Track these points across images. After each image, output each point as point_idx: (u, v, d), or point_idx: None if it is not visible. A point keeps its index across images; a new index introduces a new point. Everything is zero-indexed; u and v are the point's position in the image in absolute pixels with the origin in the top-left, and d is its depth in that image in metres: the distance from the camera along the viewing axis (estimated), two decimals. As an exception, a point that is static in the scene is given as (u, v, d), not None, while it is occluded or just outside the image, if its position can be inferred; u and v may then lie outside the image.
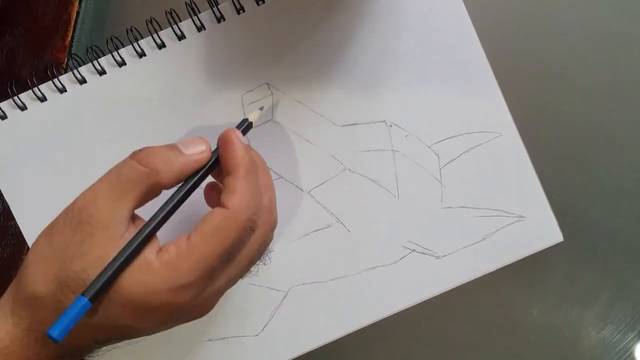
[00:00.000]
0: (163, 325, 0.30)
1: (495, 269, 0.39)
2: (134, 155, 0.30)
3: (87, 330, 0.29)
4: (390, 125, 0.39)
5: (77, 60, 0.38)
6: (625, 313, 0.40)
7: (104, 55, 0.38)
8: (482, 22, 0.38)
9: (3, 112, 0.39)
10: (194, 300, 0.29)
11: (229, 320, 0.40)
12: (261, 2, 0.38)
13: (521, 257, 0.39)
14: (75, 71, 0.38)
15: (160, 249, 0.29)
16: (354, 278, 0.39)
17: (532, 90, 0.42)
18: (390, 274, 0.39)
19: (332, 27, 0.38)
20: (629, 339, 0.40)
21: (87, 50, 0.38)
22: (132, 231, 0.29)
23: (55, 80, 0.38)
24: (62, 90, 0.39)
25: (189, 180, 0.31)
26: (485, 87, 0.39)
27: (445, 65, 0.39)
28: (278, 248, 0.39)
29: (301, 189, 0.39)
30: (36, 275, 0.29)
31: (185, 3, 0.37)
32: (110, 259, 0.28)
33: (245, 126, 0.34)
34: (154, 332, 0.31)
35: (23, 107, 0.39)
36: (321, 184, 0.39)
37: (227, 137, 0.31)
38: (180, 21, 0.38)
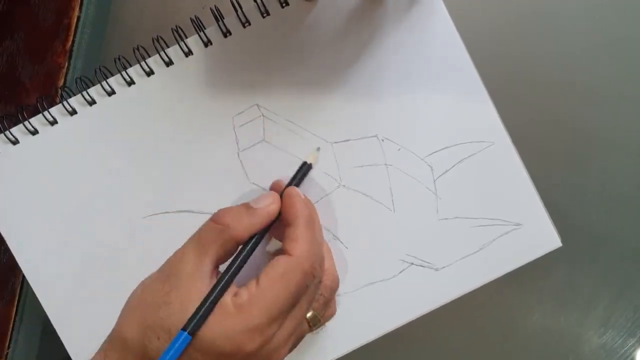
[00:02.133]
0: None
1: (495, 278, 0.39)
2: (212, 216, 0.34)
3: None
4: (383, 140, 0.39)
5: (67, 93, 0.38)
6: (626, 318, 0.40)
7: (93, 85, 0.38)
8: (469, 31, 0.38)
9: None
10: (264, 346, 0.31)
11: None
12: (247, 24, 0.38)
13: (520, 265, 0.39)
14: (65, 103, 0.38)
15: (235, 294, 0.32)
16: (354, 294, 0.39)
17: (529, 97, 0.42)
18: (390, 289, 0.39)
19: (321, 45, 0.38)
20: (630, 344, 0.40)
21: (76, 82, 0.38)
22: (214, 282, 0.32)
23: (46, 112, 0.38)
24: (53, 122, 0.39)
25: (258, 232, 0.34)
26: (475, 97, 0.39)
27: (435, 78, 0.39)
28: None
29: (297, 208, 0.39)
30: (126, 321, 0.32)
31: (172, 29, 0.37)
32: (191, 308, 0.30)
33: (305, 170, 0.38)
34: None
35: (15, 142, 0.39)
36: (316, 202, 0.39)
37: (289, 192, 0.35)
38: (168, 47, 0.38)
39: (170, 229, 0.39)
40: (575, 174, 0.41)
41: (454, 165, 0.39)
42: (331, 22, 0.38)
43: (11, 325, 0.44)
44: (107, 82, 0.38)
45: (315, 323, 0.35)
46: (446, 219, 0.39)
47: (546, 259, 0.39)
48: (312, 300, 0.34)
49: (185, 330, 0.30)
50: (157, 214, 0.39)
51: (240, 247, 0.34)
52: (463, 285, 0.39)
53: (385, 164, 0.39)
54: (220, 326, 0.30)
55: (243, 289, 0.32)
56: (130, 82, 0.39)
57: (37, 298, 0.39)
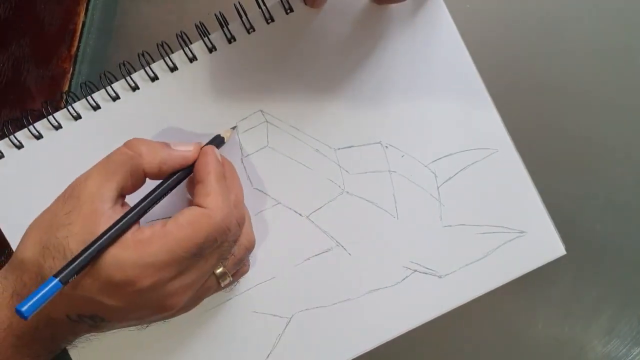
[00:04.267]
0: (128, 310, 0.31)
1: (498, 286, 0.39)
2: (125, 142, 0.33)
3: (57, 300, 0.29)
4: (386, 146, 0.39)
5: (72, 98, 0.39)
6: (631, 327, 0.40)
7: (98, 90, 0.39)
8: (473, 38, 0.38)
9: (0, 152, 0.39)
10: (158, 286, 0.30)
11: (232, 349, 0.39)
12: (252, 30, 0.38)
13: (524, 273, 0.39)
14: (69, 107, 0.38)
15: (137, 230, 0.31)
16: (357, 301, 0.39)
17: (533, 105, 0.42)
18: (394, 296, 0.39)
19: (324, 52, 0.39)
20: (634, 353, 0.40)
21: (80, 87, 0.38)
22: (117, 210, 0.31)
23: (50, 117, 0.38)
24: (58, 127, 0.39)
25: (173, 175, 0.33)
26: (479, 104, 0.39)
27: (438, 84, 0.39)
28: (279, 274, 0.39)
29: (300, 214, 0.39)
30: (26, 242, 0.32)
31: (176, 35, 0.38)
32: (91, 232, 0.29)
33: (217, 141, 0.36)
34: (122, 320, 0.32)
35: (20, 146, 0.39)
36: (320, 208, 0.39)
37: (205, 149, 0.34)
38: (173, 52, 0.38)
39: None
40: (579, 182, 0.41)
41: (457, 172, 0.39)
42: (335, 29, 0.38)
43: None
44: (111, 87, 0.38)
45: (224, 279, 0.34)
46: (450, 226, 0.39)
47: (550, 267, 0.39)
48: (222, 257, 0.33)
49: (58, 277, 0.28)
50: (158, 220, 0.39)
51: (148, 183, 0.33)
52: (466, 292, 0.39)
53: (388, 171, 0.39)
54: (115, 256, 0.29)
55: (147, 227, 0.31)
56: (135, 88, 0.39)
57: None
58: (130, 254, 0.30)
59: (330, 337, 0.39)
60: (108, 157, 0.32)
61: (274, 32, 0.38)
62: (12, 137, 0.39)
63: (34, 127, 0.39)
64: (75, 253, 0.29)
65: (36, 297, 0.28)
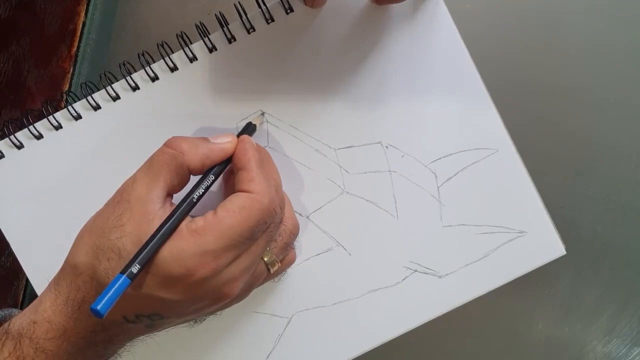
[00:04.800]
0: (187, 303, 0.31)
1: (499, 286, 0.39)
2: (166, 141, 0.33)
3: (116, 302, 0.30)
4: (386, 146, 0.39)
5: (72, 98, 0.39)
6: (631, 327, 0.40)
7: (98, 90, 0.39)
8: (473, 38, 0.38)
9: (1, 152, 0.39)
10: (216, 274, 0.30)
11: (233, 349, 0.40)
12: (252, 30, 0.38)
13: (524, 273, 0.39)
14: (70, 107, 0.38)
15: (190, 221, 0.31)
16: (357, 301, 0.39)
17: (533, 105, 0.42)
18: (394, 295, 0.39)
19: (325, 52, 0.39)
20: (634, 353, 0.40)
21: (81, 87, 0.38)
22: (167, 209, 0.31)
23: (51, 117, 0.38)
24: (58, 127, 0.39)
25: (214, 168, 0.33)
26: (479, 104, 0.39)
27: (439, 84, 0.39)
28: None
29: (300, 214, 0.39)
30: (78, 247, 0.32)
31: (176, 35, 0.38)
32: (144, 232, 0.30)
33: (250, 129, 0.37)
34: (179, 315, 0.32)
35: (20, 146, 0.39)
36: (320, 208, 0.39)
37: (242, 138, 0.35)
38: (173, 52, 0.38)
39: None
40: (580, 182, 0.41)
41: (457, 172, 0.39)
42: (335, 29, 0.38)
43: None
44: (112, 87, 0.38)
45: (274, 266, 0.35)
46: (450, 226, 0.39)
47: (550, 267, 0.39)
48: (270, 240, 0.34)
49: (124, 274, 0.28)
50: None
51: (191, 178, 0.33)
52: (466, 292, 0.39)
53: (389, 171, 0.39)
54: (171, 248, 0.30)
55: (199, 217, 0.31)
56: (135, 88, 0.39)
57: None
58: (188, 245, 0.30)
59: (330, 337, 0.39)
60: (151, 158, 0.33)
61: (274, 32, 0.38)
62: (12, 137, 0.39)
63: (34, 127, 0.39)
64: (131, 252, 0.29)
65: (109, 294, 0.28)
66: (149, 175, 0.32)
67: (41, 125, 0.39)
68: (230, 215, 0.31)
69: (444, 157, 0.39)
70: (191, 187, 0.33)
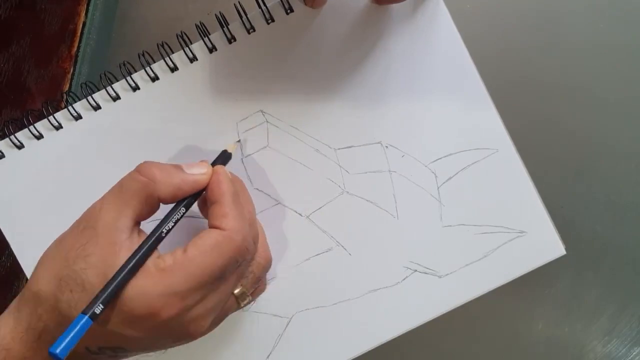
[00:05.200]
0: (151, 340, 0.30)
1: (498, 286, 0.39)
2: (137, 167, 0.32)
3: None
4: (386, 146, 0.39)
5: (73, 98, 0.39)
6: (631, 327, 0.40)
7: (98, 90, 0.39)
8: (473, 38, 0.38)
9: (1, 152, 0.39)
10: (182, 314, 0.30)
11: (233, 350, 0.40)
12: (252, 30, 0.38)
13: (524, 273, 0.39)
14: (70, 108, 0.38)
15: (158, 257, 0.30)
16: (357, 301, 0.39)
17: (533, 105, 0.42)
18: (394, 295, 0.39)
19: (325, 52, 0.39)
20: (634, 353, 0.40)
21: (81, 87, 0.38)
22: (135, 239, 0.30)
23: (51, 117, 0.38)
24: (58, 127, 0.39)
25: (186, 200, 0.32)
26: (479, 104, 0.39)
27: (438, 84, 0.39)
28: (279, 274, 0.39)
29: (300, 214, 0.39)
30: (40, 274, 0.31)
31: (177, 35, 0.38)
32: (110, 264, 0.29)
33: (225, 157, 0.36)
34: (143, 349, 0.31)
35: (20, 146, 0.39)
36: (320, 208, 0.39)
37: (217, 169, 0.33)
38: (173, 52, 0.38)
39: (171, 233, 0.39)
40: (579, 182, 0.41)
41: (457, 172, 0.39)
42: (335, 29, 0.38)
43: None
44: (112, 87, 0.38)
45: (244, 299, 0.34)
46: (450, 226, 0.39)
47: (550, 267, 0.39)
48: (241, 277, 0.33)
49: (86, 314, 0.27)
50: (159, 219, 0.39)
51: (161, 210, 0.32)
52: (466, 292, 0.39)
53: (389, 171, 0.39)
54: (137, 287, 0.29)
55: (168, 254, 0.30)
56: (135, 88, 0.39)
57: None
58: (154, 284, 0.29)
59: (330, 337, 0.39)
60: (120, 184, 0.31)
61: (274, 32, 0.38)
62: (12, 137, 0.39)
63: (34, 127, 0.39)
64: (95, 285, 0.29)
65: (69, 337, 0.27)
66: (118, 203, 0.31)
67: (41, 125, 0.39)
68: (201, 254, 0.30)
69: (444, 157, 0.39)
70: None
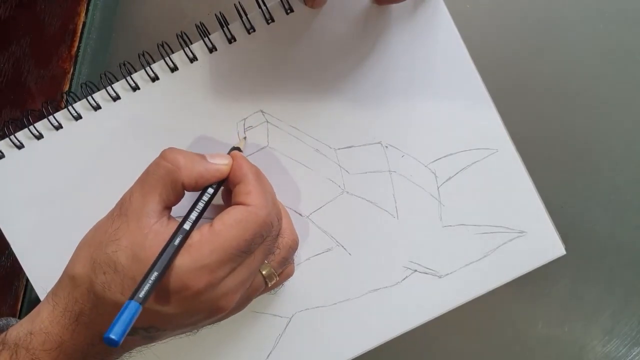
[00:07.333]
0: (183, 316, 0.31)
1: (498, 286, 0.39)
2: (161, 153, 0.33)
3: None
4: (386, 147, 0.39)
5: (73, 98, 0.39)
6: (631, 327, 0.40)
7: (98, 90, 0.39)
8: (473, 38, 0.38)
9: (1, 152, 0.39)
10: (211, 287, 0.30)
11: (233, 349, 0.40)
12: (252, 30, 0.38)
13: (524, 273, 0.39)
14: (70, 108, 0.38)
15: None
16: (357, 301, 0.39)
17: (533, 105, 0.42)
18: (394, 295, 0.39)
19: (325, 52, 0.39)
20: (634, 353, 0.40)
21: (81, 87, 0.38)
22: (164, 223, 0.31)
23: (51, 117, 0.38)
24: (58, 127, 0.39)
25: (209, 188, 0.33)
26: (479, 104, 0.39)
27: (438, 84, 0.39)
28: (280, 274, 0.39)
29: (300, 214, 0.39)
30: (76, 259, 0.32)
31: (177, 35, 0.38)
32: (139, 246, 0.30)
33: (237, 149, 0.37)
34: (175, 327, 0.32)
35: (20, 146, 0.39)
36: (320, 208, 0.39)
37: (235, 154, 0.35)
38: (173, 52, 0.38)
39: None
40: (579, 182, 0.41)
41: (457, 172, 0.39)
42: (335, 29, 0.38)
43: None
44: (112, 87, 0.38)
45: (271, 279, 0.35)
46: (450, 226, 0.39)
47: (550, 267, 0.39)
48: (268, 253, 0.34)
49: (132, 298, 0.28)
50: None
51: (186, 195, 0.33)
52: (466, 292, 0.39)
53: (389, 171, 0.39)
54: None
55: (195, 231, 0.31)
56: (135, 88, 0.39)
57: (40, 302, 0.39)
58: (183, 259, 0.30)
59: (330, 337, 0.39)
60: (147, 171, 0.33)
61: (274, 32, 0.38)
62: (12, 137, 0.39)
63: (34, 127, 0.39)
64: (125, 266, 0.30)
65: (120, 321, 0.27)
66: (145, 188, 0.32)
67: (41, 125, 0.39)
68: (226, 228, 0.31)
69: (444, 157, 0.39)
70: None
